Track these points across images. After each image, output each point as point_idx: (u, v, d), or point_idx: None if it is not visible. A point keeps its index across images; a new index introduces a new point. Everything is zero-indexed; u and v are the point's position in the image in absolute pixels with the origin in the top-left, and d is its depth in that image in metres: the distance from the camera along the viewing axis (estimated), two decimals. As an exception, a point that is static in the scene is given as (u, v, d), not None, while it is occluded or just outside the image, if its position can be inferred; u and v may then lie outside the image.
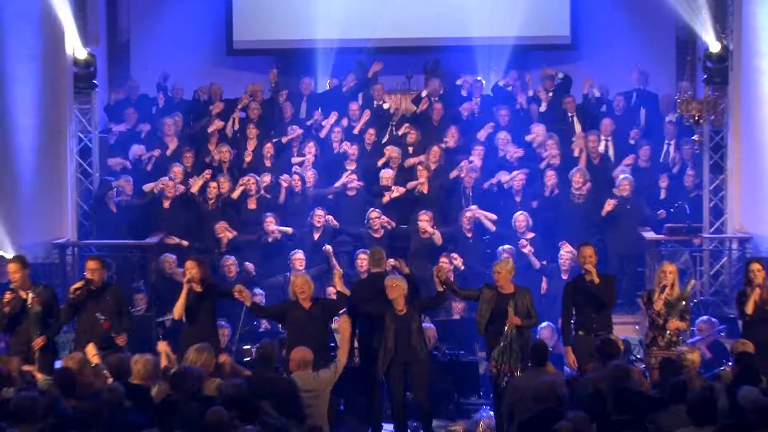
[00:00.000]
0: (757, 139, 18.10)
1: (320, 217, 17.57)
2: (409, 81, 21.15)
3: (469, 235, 17.57)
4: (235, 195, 18.44)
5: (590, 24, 21.94)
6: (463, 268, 16.73)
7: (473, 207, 17.71)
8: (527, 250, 16.85)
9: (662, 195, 18.83)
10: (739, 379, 11.81)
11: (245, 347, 15.15)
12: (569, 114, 20.15)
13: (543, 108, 20.52)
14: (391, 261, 14.70)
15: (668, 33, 21.95)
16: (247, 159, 19.49)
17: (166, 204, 18.28)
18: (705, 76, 18.83)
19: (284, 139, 19.77)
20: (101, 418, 10.64)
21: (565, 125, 20.00)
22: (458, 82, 21.04)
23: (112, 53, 21.73)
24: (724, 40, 18.34)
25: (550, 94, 20.57)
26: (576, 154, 19.10)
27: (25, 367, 12.75)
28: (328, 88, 21.31)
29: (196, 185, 18.37)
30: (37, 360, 13.71)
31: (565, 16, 21.83)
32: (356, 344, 14.58)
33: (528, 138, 19.44)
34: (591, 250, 14.21)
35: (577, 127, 19.78)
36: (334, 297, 14.35)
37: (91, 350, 13.35)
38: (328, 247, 17.00)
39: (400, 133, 19.75)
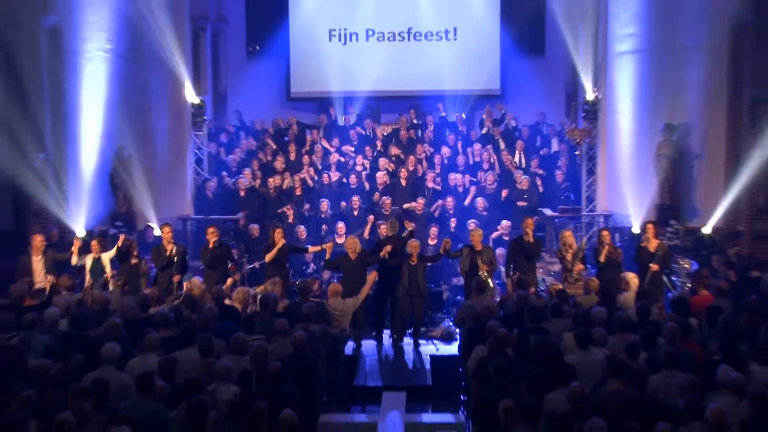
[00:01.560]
0: (616, 154, 18.19)
1: (356, 202, 17.59)
2: (400, 116, 21.00)
3: (451, 212, 17.59)
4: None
5: (512, 81, 21.98)
6: (453, 230, 16.93)
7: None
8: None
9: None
10: (600, 303, 12.05)
11: (297, 282, 15.09)
12: (495, 137, 20.08)
13: (484, 131, 20.46)
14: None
15: (560, 87, 21.98)
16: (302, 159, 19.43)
17: (242, 193, 18.25)
18: (584, 114, 18.86)
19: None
20: (210, 325, 10.84)
21: (492, 143, 19.91)
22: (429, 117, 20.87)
23: (215, 99, 21.69)
24: (596, 92, 18.43)
25: (491, 125, 20.48)
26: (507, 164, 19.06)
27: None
28: (342, 122, 21.09)
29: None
30: (175, 289, 13.98)
31: (497, 76, 21.87)
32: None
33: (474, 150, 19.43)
34: (531, 221, 14.85)
35: (501, 145, 19.71)
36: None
37: (229, 282, 14.31)
38: (371, 217, 17.04)
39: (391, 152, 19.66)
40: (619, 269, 14.15)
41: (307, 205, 18.19)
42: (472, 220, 16.57)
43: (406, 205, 17.84)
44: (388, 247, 14.20)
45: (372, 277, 13.91)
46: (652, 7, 17.61)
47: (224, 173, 19.40)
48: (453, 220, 17.19)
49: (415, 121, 20.72)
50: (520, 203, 17.91)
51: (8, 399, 8.63)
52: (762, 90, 16.00)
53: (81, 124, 17.38)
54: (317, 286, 14.84)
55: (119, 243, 14.68)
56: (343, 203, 18.02)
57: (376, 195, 18.00)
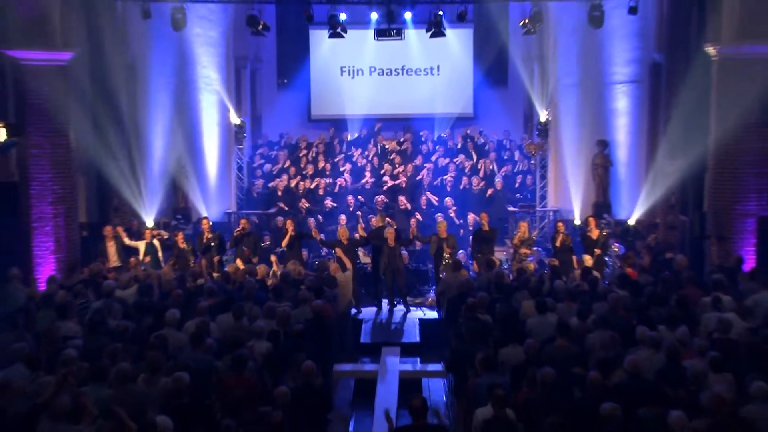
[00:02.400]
0: (562, 162, 18.23)
1: (351, 199, 17.29)
2: (396, 134, 20.88)
3: (424, 207, 17.23)
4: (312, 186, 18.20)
5: (483, 106, 21.77)
6: (421, 219, 16.47)
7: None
8: (451, 212, 16.76)
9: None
10: (552, 277, 12.03)
11: (316, 261, 15.06)
12: (470, 150, 19.77)
13: (459, 146, 20.16)
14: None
15: (520, 111, 21.83)
16: (320, 167, 19.13)
17: (279, 193, 18.00)
18: (537, 132, 18.72)
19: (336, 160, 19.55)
20: (253, 294, 10.87)
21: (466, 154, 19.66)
22: (422, 134, 20.65)
23: (253, 120, 21.37)
24: (547, 115, 18.34)
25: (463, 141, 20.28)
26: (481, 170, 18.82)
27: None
28: (356, 136, 20.89)
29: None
30: (216, 266, 13.98)
31: (470, 102, 21.64)
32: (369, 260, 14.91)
33: (456, 160, 19.12)
34: (485, 215, 14.79)
35: (474, 156, 19.42)
36: (358, 236, 14.44)
37: (239, 263, 13.92)
38: (359, 213, 16.72)
39: (391, 158, 19.39)
40: (571, 252, 14.18)
41: (328, 200, 17.85)
42: (439, 214, 16.46)
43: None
44: (360, 229, 14.67)
45: (339, 252, 13.91)
46: (589, 50, 17.64)
47: (274, 174, 19.17)
48: (417, 213, 16.85)
49: (423, 139, 20.48)
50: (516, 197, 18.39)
51: (99, 350, 8.71)
52: (673, 114, 16.02)
53: (152, 139, 17.41)
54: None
55: (162, 237, 14.94)
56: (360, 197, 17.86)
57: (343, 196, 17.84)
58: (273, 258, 14.06)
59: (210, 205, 17.81)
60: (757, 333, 9.19)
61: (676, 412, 6.91)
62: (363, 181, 18.44)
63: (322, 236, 15.14)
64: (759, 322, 9.82)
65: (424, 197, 17.52)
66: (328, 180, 18.47)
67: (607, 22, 16.11)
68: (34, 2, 12.82)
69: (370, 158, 19.47)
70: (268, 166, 19.48)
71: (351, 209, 17.17)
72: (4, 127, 12.73)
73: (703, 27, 14.50)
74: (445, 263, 13.85)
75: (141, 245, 14.54)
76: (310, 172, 18.87)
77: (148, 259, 14.31)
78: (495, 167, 18.98)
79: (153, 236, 14.76)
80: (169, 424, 6.92)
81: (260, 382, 8.36)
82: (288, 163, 19.25)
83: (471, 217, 16.37)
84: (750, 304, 10.45)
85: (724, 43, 13.23)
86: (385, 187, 18.09)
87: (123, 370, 7.88)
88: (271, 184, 18.51)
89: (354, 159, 19.54)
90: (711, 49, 13.57)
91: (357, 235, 14.53)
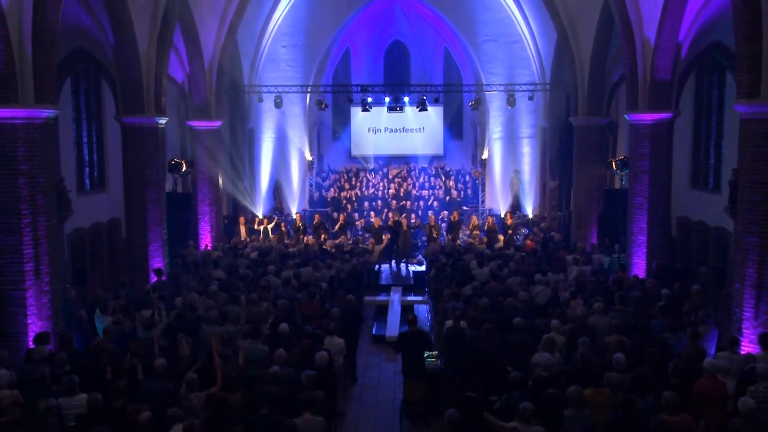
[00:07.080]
0: (493, 182, 17.96)
1: (379, 204, 17.17)
2: (399, 166, 20.74)
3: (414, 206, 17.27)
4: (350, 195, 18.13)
5: (449, 149, 21.36)
6: (416, 217, 16.23)
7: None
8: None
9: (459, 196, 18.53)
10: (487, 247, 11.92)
11: (353, 238, 14.92)
12: (441, 174, 19.59)
13: (433, 172, 20.01)
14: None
15: (470, 152, 21.36)
16: (354, 184, 18.97)
17: (329, 199, 17.89)
18: (480, 164, 18.44)
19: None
20: (319, 256, 10.86)
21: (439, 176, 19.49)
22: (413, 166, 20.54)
23: (318, 157, 20.97)
24: (485, 155, 18.27)
25: (440, 169, 20.09)
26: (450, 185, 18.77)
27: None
28: (372, 167, 20.62)
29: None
30: (302, 241, 13.63)
31: (441, 147, 21.10)
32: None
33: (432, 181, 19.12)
34: (456, 213, 14.68)
35: (442, 177, 19.24)
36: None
37: (311, 240, 13.55)
38: (386, 210, 16.61)
39: (394, 178, 19.31)
40: (496, 233, 14.06)
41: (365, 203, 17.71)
42: (431, 211, 16.30)
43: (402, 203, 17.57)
44: (392, 221, 14.30)
45: (381, 246, 13.54)
46: (508, 118, 17.50)
47: (325, 186, 19.03)
48: (412, 215, 16.46)
49: (411, 166, 20.35)
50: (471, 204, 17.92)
51: (233, 286, 8.84)
52: (553, 156, 16.05)
53: (262, 168, 17.39)
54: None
55: (276, 222, 14.76)
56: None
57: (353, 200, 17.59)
58: (344, 238, 13.90)
59: (294, 205, 17.77)
60: (596, 276, 9.28)
61: (555, 320, 7.03)
62: (380, 193, 18.32)
63: (362, 222, 15.02)
64: (595, 269, 9.93)
65: (421, 202, 17.45)
66: (359, 192, 18.38)
67: (518, 103, 16.18)
68: (202, 94, 13.08)
69: (383, 179, 19.33)
70: (325, 183, 19.40)
71: (378, 207, 17.01)
72: (185, 163, 12.96)
73: (568, 107, 14.61)
74: (432, 238, 13.69)
75: (261, 228, 14.54)
76: (347, 187, 18.77)
77: (261, 237, 14.30)
78: (453, 183, 18.92)
79: (265, 223, 14.77)
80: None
81: (322, 306, 8.51)
82: (336, 182, 19.19)
83: (444, 213, 16.37)
84: (594, 260, 10.52)
85: (579, 117, 13.36)
86: (391, 195, 17.96)
87: (252, 298, 8.03)
88: (324, 194, 18.58)
89: (374, 180, 19.39)
90: (572, 120, 13.66)
91: (387, 223, 14.37)
